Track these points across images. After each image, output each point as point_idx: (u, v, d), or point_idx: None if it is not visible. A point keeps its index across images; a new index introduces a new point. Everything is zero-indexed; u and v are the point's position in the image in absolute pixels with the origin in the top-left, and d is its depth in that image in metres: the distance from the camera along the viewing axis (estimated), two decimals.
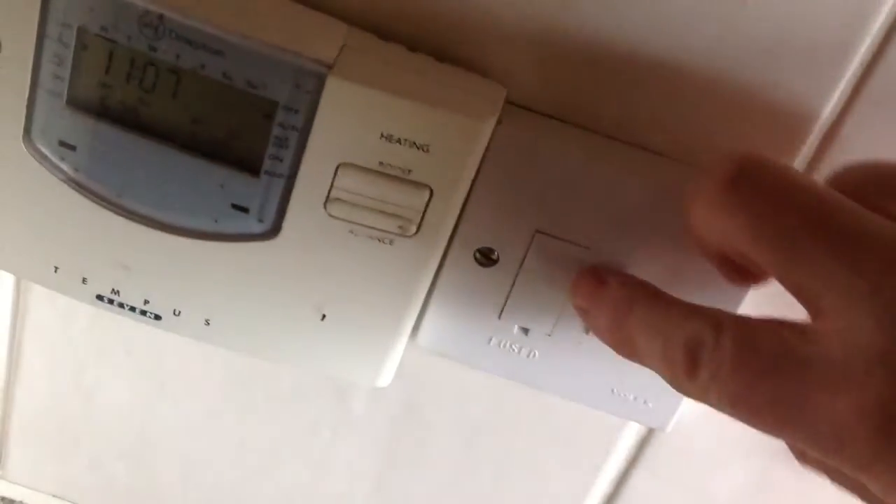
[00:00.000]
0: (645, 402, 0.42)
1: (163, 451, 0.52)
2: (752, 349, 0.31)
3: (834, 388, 0.29)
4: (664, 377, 0.34)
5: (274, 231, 0.38)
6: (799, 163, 0.37)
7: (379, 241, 0.38)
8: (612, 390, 0.42)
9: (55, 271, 0.40)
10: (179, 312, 0.40)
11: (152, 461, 0.52)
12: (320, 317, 0.40)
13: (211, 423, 0.50)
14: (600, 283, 0.38)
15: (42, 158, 0.37)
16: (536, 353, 0.42)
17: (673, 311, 0.34)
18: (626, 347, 0.36)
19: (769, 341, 0.31)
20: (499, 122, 0.36)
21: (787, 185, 0.31)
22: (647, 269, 0.39)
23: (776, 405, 0.30)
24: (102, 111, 0.36)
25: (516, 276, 0.40)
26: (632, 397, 0.42)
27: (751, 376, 0.30)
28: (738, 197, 0.32)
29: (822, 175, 0.37)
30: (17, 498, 0.55)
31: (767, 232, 0.31)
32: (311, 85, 0.35)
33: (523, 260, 0.39)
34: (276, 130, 0.36)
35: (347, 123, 0.35)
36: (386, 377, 0.42)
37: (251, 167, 0.36)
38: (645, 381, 0.42)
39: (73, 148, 0.37)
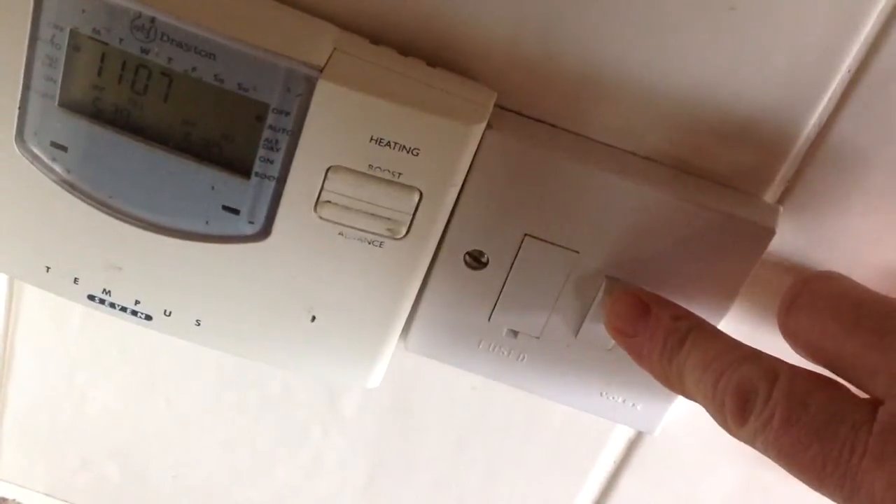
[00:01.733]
0: (633, 405, 0.43)
1: (154, 450, 0.52)
2: (804, 406, 0.32)
3: (879, 458, 0.30)
4: (711, 415, 0.34)
5: (264, 233, 0.38)
6: (786, 169, 0.38)
7: (369, 243, 0.38)
8: (601, 393, 0.42)
9: (47, 271, 0.40)
10: (170, 313, 0.40)
11: (143, 461, 0.52)
12: (310, 318, 0.40)
13: (202, 423, 0.50)
14: (646, 310, 0.38)
15: (34, 159, 0.37)
16: (525, 356, 0.42)
17: (728, 352, 0.34)
18: (673, 381, 0.36)
19: (823, 400, 0.32)
20: (489, 126, 0.36)
21: (830, 297, 0.35)
22: (637, 275, 0.39)
23: (823, 466, 0.31)
24: (94, 113, 0.36)
25: (506, 279, 0.40)
26: (620, 400, 0.43)
27: (800, 434, 0.31)
28: (793, 321, 0.36)
29: (809, 182, 0.38)
30: (10, 496, 0.55)
31: (817, 344, 0.35)
32: (301, 88, 0.35)
33: (513, 263, 0.39)
34: (266, 133, 0.36)
35: (338, 126, 0.35)
36: (376, 378, 0.42)
37: (242, 169, 0.37)
38: (634, 385, 0.42)
39: (64, 149, 0.37)
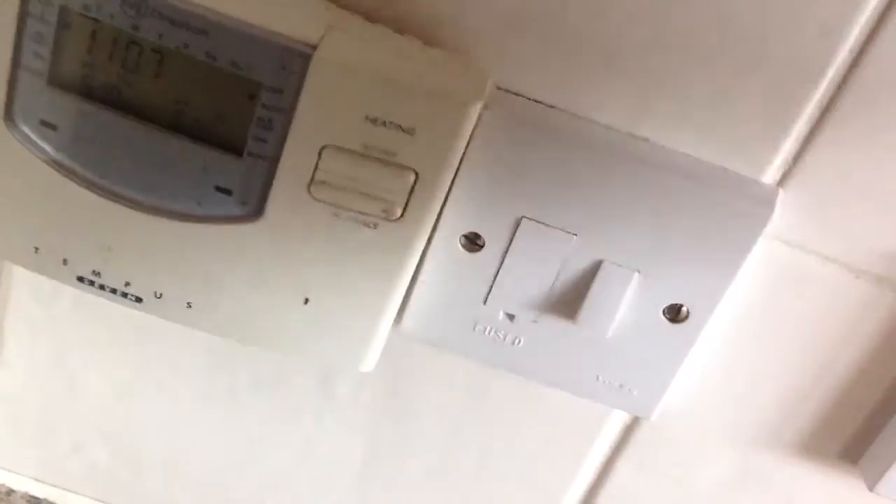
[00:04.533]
0: (630, 390, 0.42)
1: (145, 434, 0.52)
2: None
3: None
4: None
5: (257, 213, 0.37)
6: (786, 153, 0.37)
7: (363, 224, 0.37)
8: (598, 378, 0.42)
9: (36, 252, 0.39)
10: (161, 295, 0.40)
11: (135, 445, 0.52)
12: (304, 300, 0.39)
13: (194, 407, 0.50)
14: None
15: (23, 138, 0.37)
16: (521, 340, 0.42)
17: None
18: None
19: None
20: (485, 106, 0.36)
21: None
22: (633, 256, 0.39)
23: None
24: (85, 91, 0.36)
25: (502, 261, 0.40)
26: (617, 385, 0.42)
27: None
28: None
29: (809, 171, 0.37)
30: (0, 481, 0.55)
31: None
32: (295, 66, 0.34)
33: (509, 245, 0.39)
34: (259, 111, 0.35)
35: (332, 105, 0.35)
36: (370, 362, 0.42)
37: (235, 148, 0.36)
38: (630, 370, 0.42)
39: (54, 128, 0.36)
